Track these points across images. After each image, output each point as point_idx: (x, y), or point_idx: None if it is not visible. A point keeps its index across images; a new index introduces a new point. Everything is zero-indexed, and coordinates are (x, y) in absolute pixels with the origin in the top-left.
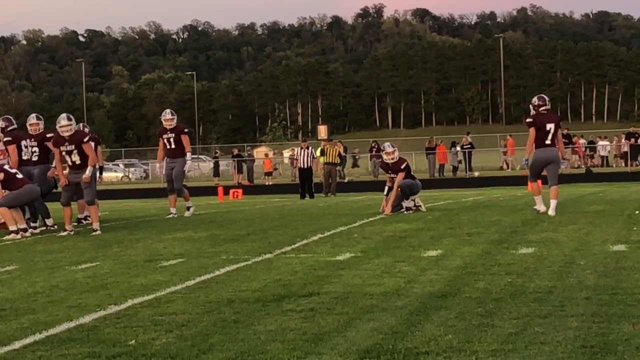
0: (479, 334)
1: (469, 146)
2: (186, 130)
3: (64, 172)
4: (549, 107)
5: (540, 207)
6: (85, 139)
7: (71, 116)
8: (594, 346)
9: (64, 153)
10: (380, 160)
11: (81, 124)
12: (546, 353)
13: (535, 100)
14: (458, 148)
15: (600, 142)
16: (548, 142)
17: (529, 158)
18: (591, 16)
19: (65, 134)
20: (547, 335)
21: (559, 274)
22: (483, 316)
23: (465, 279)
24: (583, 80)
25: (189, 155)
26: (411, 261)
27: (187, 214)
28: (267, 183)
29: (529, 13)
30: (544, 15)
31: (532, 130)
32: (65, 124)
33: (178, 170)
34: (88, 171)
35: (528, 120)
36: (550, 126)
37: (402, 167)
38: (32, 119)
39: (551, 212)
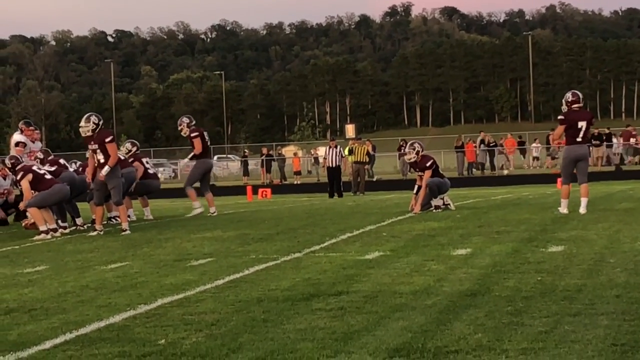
0: (509, 332)
1: (493, 144)
2: (192, 134)
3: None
4: (582, 104)
5: (564, 210)
6: (108, 139)
7: (92, 116)
8: (625, 344)
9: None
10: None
11: (128, 143)
12: (576, 351)
13: (569, 95)
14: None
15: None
16: (579, 139)
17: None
18: (620, 13)
19: (87, 134)
20: (577, 334)
21: (588, 272)
22: (513, 315)
23: (495, 277)
24: (612, 78)
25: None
26: (440, 260)
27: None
28: (295, 182)
29: (558, 10)
30: (572, 12)
31: (561, 128)
32: (82, 125)
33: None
34: (104, 170)
35: (560, 117)
36: (582, 124)
37: (428, 164)
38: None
39: (582, 210)
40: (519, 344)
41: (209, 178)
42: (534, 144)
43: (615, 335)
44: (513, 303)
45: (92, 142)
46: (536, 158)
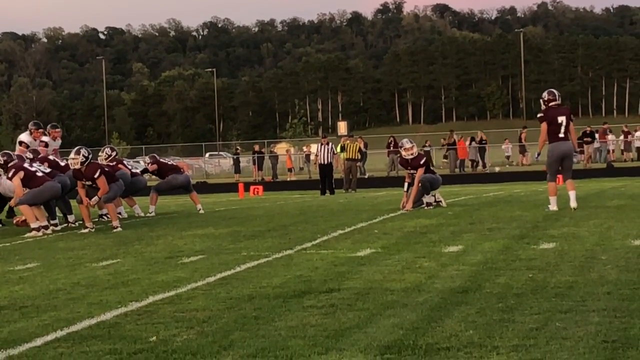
0: (500, 329)
1: (485, 142)
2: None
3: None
4: (559, 101)
5: (553, 207)
6: (96, 175)
7: (82, 149)
8: (616, 341)
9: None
10: (399, 156)
11: (108, 149)
12: (567, 348)
13: (545, 95)
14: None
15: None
16: (561, 135)
17: (540, 152)
18: (612, 10)
19: (76, 167)
20: (568, 331)
21: (580, 268)
22: (504, 311)
23: (486, 274)
24: (604, 75)
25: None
26: (432, 257)
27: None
28: (288, 178)
29: (549, 8)
30: (564, 9)
31: (544, 125)
32: (72, 157)
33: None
34: (93, 200)
35: (539, 115)
36: (562, 119)
37: (422, 162)
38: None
39: (572, 203)
40: (510, 341)
41: (189, 187)
42: (504, 145)
43: (607, 332)
44: (504, 300)
45: (83, 179)
46: (508, 157)
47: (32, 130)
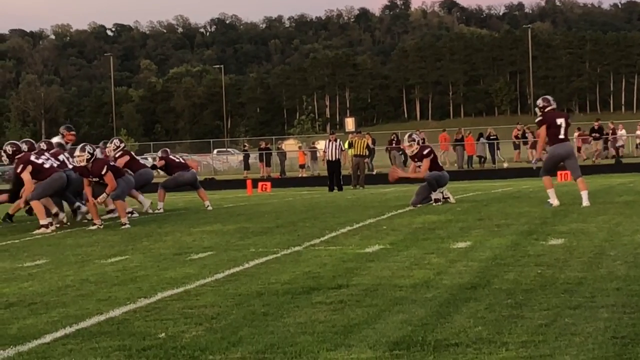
0: (509, 325)
1: (494, 137)
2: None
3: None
4: (554, 106)
5: (554, 201)
6: (104, 171)
7: (87, 146)
8: (625, 337)
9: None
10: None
11: (116, 140)
12: (576, 344)
13: (540, 102)
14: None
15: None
16: (562, 136)
17: (539, 158)
18: (620, 6)
19: (82, 164)
20: (577, 326)
21: (589, 264)
22: (513, 307)
23: (495, 270)
24: (612, 71)
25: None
26: (440, 253)
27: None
28: (300, 175)
29: (557, 3)
30: (572, 5)
31: (543, 129)
32: (77, 154)
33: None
34: (101, 198)
35: (538, 119)
36: (561, 121)
37: (425, 152)
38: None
39: (585, 202)
40: (519, 337)
41: (196, 184)
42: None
43: (616, 328)
44: (513, 296)
45: (90, 176)
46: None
47: (65, 134)
